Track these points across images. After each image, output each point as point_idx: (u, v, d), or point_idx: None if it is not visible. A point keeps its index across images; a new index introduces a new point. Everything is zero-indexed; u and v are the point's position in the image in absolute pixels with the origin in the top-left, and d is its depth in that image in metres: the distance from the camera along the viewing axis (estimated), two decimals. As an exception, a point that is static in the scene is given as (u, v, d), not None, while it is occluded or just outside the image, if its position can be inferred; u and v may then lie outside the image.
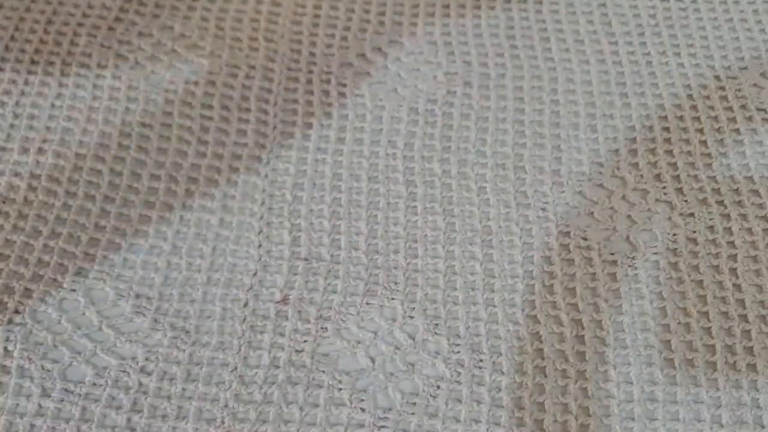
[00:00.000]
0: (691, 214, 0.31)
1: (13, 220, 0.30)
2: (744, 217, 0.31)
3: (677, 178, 0.32)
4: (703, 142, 0.33)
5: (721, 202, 0.31)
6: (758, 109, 0.34)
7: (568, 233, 0.30)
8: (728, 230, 0.31)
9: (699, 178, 0.32)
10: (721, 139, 0.33)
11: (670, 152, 0.32)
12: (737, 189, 0.31)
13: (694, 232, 0.30)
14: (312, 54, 0.35)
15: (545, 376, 0.27)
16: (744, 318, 0.28)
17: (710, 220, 0.31)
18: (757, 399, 0.26)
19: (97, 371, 0.27)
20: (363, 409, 0.26)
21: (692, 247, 0.30)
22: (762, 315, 0.28)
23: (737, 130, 0.33)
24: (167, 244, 0.30)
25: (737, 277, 0.29)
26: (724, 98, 0.34)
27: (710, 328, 0.28)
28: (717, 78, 0.35)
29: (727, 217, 0.31)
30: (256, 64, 0.35)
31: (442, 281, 0.29)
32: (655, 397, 0.26)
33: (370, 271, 0.29)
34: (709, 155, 0.33)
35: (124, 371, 0.27)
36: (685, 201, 0.31)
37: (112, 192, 0.31)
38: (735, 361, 0.27)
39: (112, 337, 0.27)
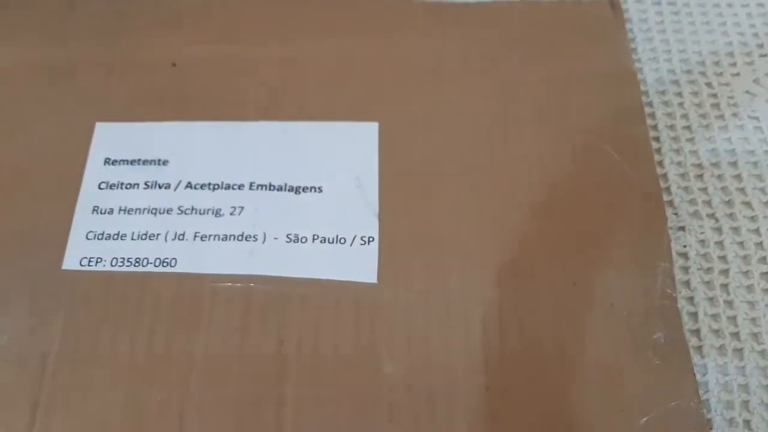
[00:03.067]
0: (682, 228, 0.31)
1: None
2: (735, 230, 0.30)
3: (667, 189, 0.31)
4: (694, 152, 0.32)
5: (712, 215, 0.31)
6: (750, 117, 0.33)
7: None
8: (720, 244, 0.30)
9: (690, 190, 0.31)
10: (713, 149, 0.32)
11: (660, 163, 0.32)
12: (729, 201, 0.31)
13: (685, 246, 0.30)
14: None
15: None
16: (736, 336, 0.28)
17: (702, 233, 0.30)
18: (749, 421, 0.26)
19: None
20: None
21: (683, 263, 0.30)
22: (754, 333, 0.28)
23: (729, 139, 0.33)
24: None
25: (728, 294, 0.29)
26: (716, 106, 0.33)
27: (701, 346, 0.28)
28: (709, 85, 0.34)
29: (719, 230, 0.30)
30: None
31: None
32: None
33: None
34: (700, 165, 0.32)
35: None
36: (676, 214, 0.31)
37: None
38: (726, 382, 0.27)
39: None
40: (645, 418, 0.25)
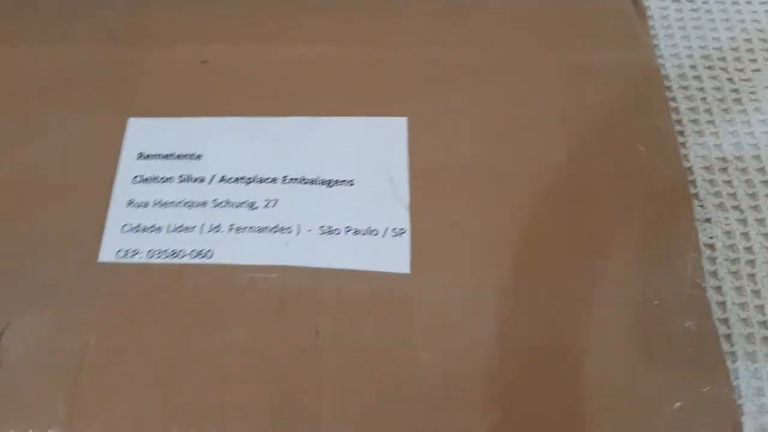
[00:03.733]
0: (708, 220, 0.31)
1: None
2: (760, 221, 0.31)
3: (693, 182, 0.32)
4: (718, 146, 0.33)
5: (737, 207, 0.31)
6: (773, 112, 0.34)
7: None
8: (745, 235, 0.31)
9: (715, 183, 0.32)
10: (737, 143, 0.33)
11: (685, 156, 0.32)
12: (753, 193, 0.31)
13: (711, 237, 0.31)
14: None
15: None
16: (763, 324, 0.29)
17: (727, 225, 0.31)
18: (779, 406, 0.27)
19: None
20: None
21: (710, 253, 0.30)
22: (781, 321, 0.29)
23: (752, 134, 0.33)
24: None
25: (756, 283, 0.29)
26: (738, 101, 0.34)
27: (730, 335, 0.28)
28: (730, 81, 0.35)
29: (744, 222, 0.31)
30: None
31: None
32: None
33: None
34: (724, 159, 0.33)
35: None
36: (702, 206, 0.31)
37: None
38: (755, 369, 0.28)
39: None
40: (678, 404, 0.26)
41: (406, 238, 0.29)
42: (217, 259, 0.29)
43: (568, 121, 0.32)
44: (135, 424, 0.26)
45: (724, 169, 0.32)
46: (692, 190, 0.31)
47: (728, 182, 0.32)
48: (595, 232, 0.29)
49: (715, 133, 0.33)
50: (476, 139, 0.32)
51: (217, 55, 0.35)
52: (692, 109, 0.34)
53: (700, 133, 0.33)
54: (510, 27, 0.35)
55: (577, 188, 0.30)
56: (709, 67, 0.35)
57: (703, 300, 0.28)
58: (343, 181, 0.31)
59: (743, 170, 0.32)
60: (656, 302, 0.28)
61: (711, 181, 0.32)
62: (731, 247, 0.30)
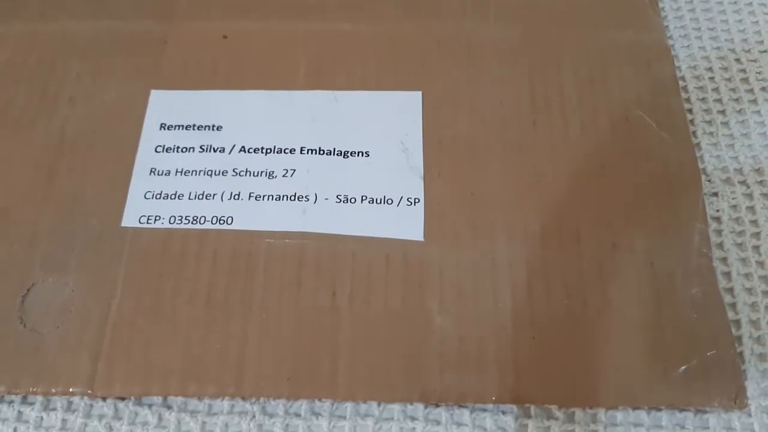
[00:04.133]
0: (715, 194, 0.32)
1: None
2: (766, 196, 0.32)
3: (701, 158, 0.33)
4: (725, 123, 0.34)
5: (743, 182, 0.32)
6: (779, 90, 0.34)
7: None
8: (751, 209, 0.31)
9: (722, 158, 0.33)
10: (743, 120, 0.34)
11: (693, 133, 0.33)
12: (759, 169, 0.32)
13: (718, 210, 0.31)
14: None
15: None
16: (767, 294, 0.29)
17: (733, 199, 0.32)
18: (783, 371, 0.28)
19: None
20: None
21: (716, 226, 0.31)
22: (785, 290, 0.29)
23: (758, 112, 0.34)
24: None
25: (760, 255, 0.30)
26: (745, 80, 0.35)
27: (735, 303, 0.29)
28: (738, 61, 0.35)
29: (750, 196, 0.32)
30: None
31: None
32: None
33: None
34: (731, 136, 0.33)
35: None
36: (709, 181, 0.32)
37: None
38: (759, 336, 0.28)
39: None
40: (684, 367, 0.27)
41: (420, 207, 0.30)
42: (237, 225, 0.30)
43: (582, 96, 0.33)
44: (155, 382, 0.27)
45: (731, 146, 0.33)
46: (700, 165, 0.32)
47: (735, 158, 0.32)
48: (606, 202, 0.30)
49: (722, 111, 0.34)
50: (490, 113, 0.33)
51: (237, 30, 0.36)
52: (700, 88, 0.35)
53: (707, 111, 0.34)
54: (524, 9, 0.36)
55: (589, 161, 0.31)
56: (717, 48, 0.36)
57: (710, 269, 0.29)
58: (359, 152, 0.32)
59: (750, 146, 0.33)
60: (664, 270, 0.29)
61: (718, 156, 0.33)
62: (737, 220, 0.31)
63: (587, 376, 0.27)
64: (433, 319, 0.28)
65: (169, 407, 0.27)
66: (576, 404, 0.27)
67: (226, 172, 0.31)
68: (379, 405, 0.27)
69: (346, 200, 0.30)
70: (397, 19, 0.36)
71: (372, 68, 0.34)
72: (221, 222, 0.30)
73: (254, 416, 0.27)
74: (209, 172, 0.31)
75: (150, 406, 0.27)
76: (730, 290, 0.29)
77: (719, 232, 0.31)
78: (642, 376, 0.27)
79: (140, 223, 0.30)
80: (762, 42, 0.36)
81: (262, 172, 0.31)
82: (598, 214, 0.30)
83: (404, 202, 0.30)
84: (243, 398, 0.27)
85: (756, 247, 0.30)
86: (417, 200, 0.30)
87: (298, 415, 0.27)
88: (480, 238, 0.30)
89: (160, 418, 0.27)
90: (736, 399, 0.26)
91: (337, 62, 0.34)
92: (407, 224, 0.30)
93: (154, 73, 0.34)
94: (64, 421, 0.27)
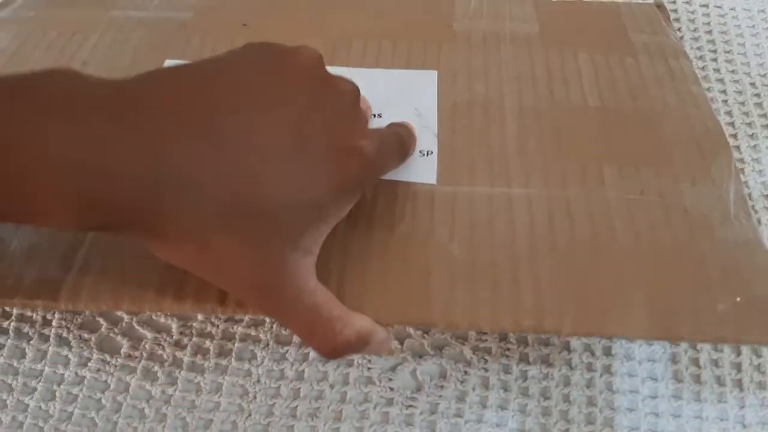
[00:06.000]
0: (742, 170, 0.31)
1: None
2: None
3: (726, 138, 0.31)
4: (737, 147, 0.33)
5: (752, 207, 0.31)
6: (794, 117, 0.34)
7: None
8: (759, 235, 0.31)
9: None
10: (755, 145, 0.33)
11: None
12: (769, 194, 0.32)
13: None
14: None
15: (571, 369, 0.27)
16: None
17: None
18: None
19: (132, 343, 0.28)
20: (392, 389, 0.27)
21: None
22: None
23: (772, 135, 0.33)
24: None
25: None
26: (759, 105, 0.34)
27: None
28: (753, 85, 0.35)
29: (759, 222, 0.31)
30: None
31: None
32: (680, 395, 0.27)
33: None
34: (742, 160, 0.33)
35: (159, 344, 0.28)
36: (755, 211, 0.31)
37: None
38: (759, 364, 0.28)
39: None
40: (724, 305, 0.25)
41: (434, 157, 0.30)
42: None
43: (601, 78, 0.33)
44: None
45: (741, 170, 0.32)
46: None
47: (744, 182, 0.32)
48: (631, 153, 0.29)
49: (734, 135, 0.33)
50: (507, 84, 0.33)
51: (257, 18, 0.36)
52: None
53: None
54: (543, 11, 0.36)
55: (610, 122, 0.31)
56: (733, 71, 0.35)
57: (748, 218, 0.27)
58: (372, 114, 0.31)
59: (760, 171, 0.32)
60: (700, 215, 0.27)
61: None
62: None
63: (620, 306, 0.25)
64: (445, 242, 0.27)
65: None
66: (607, 335, 0.25)
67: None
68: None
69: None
70: (410, 16, 0.36)
71: (388, 51, 0.34)
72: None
73: (259, 380, 0.26)
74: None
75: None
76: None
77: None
78: (686, 309, 0.25)
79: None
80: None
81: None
82: (622, 162, 0.29)
83: (418, 154, 0.30)
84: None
85: None
86: (430, 152, 0.30)
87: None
88: (497, 178, 0.29)
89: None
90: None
91: (355, 47, 0.34)
92: (420, 171, 0.29)
93: (172, 54, 0.34)
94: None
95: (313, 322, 0.21)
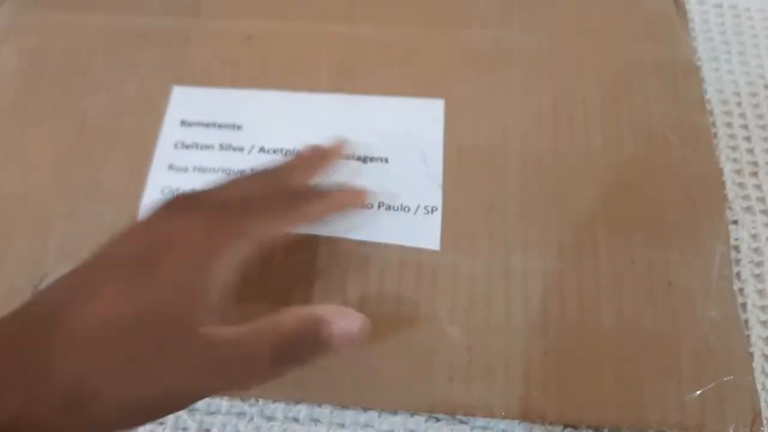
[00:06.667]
0: (735, 222, 0.31)
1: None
2: (788, 226, 0.31)
3: (723, 184, 0.32)
4: (750, 150, 0.33)
5: (765, 211, 0.32)
6: (807, 120, 0.34)
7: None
8: (771, 239, 0.31)
9: (744, 186, 0.32)
10: (768, 149, 0.33)
11: (717, 158, 0.33)
12: (782, 198, 0.32)
13: (737, 239, 0.31)
14: None
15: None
16: (783, 327, 0.29)
17: (753, 228, 0.31)
18: (793, 407, 0.27)
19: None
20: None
21: (735, 255, 0.30)
22: (801, 325, 0.29)
23: (785, 139, 0.33)
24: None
25: (778, 287, 0.30)
26: (773, 108, 0.34)
27: (749, 335, 0.29)
28: (767, 87, 0.35)
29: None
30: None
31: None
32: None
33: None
34: (755, 163, 0.33)
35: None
36: (730, 209, 0.31)
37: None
38: (772, 370, 0.28)
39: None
40: (699, 391, 0.26)
41: (438, 215, 0.30)
42: (252, 225, 0.30)
43: (606, 110, 0.33)
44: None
45: (755, 174, 0.32)
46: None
47: (758, 186, 0.32)
48: (626, 217, 0.30)
49: (748, 138, 0.33)
50: (512, 122, 0.33)
51: (262, 31, 0.36)
52: (726, 113, 0.34)
53: (732, 136, 0.33)
54: (551, 21, 0.36)
55: (610, 175, 0.31)
56: (746, 73, 0.35)
57: (730, 292, 0.28)
58: (378, 158, 0.32)
59: (773, 175, 0.32)
60: (683, 289, 0.28)
61: (740, 184, 0.32)
62: (756, 250, 0.31)
63: (597, 392, 0.27)
64: (444, 326, 0.28)
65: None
66: (585, 423, 0.27)
67: (245, 171, 0.31)
68: (379, 415, 0.27)
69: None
70: (423, 26, 0.35)
71: (395, 74, 0.34)
72: (236, 221, 0.30)
73: (252, 418, 0.27)
74: (227, 171, 0.31)
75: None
76: (745, 322, 0.29)
77: (737, 261, 0.30)
78: (656, 398, 0.26)
79: (156, 217, 0.30)
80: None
81: (280, 173, 0.31)
82: (616, 228, 0.30)
83: (422, 210, 0.30)
84: (242, 399, 0.27)
85: (774, 279, 0.30)
86: (434, 209, 0.30)
87: (296, 420, 0.27)
88: (497, 250, 0.29)
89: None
90: (753, 425, 0.26)
91: (360, 66, 0.34)
92: (424, 233, 0.30)
93: (175, 69, 0.34)
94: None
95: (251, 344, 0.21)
